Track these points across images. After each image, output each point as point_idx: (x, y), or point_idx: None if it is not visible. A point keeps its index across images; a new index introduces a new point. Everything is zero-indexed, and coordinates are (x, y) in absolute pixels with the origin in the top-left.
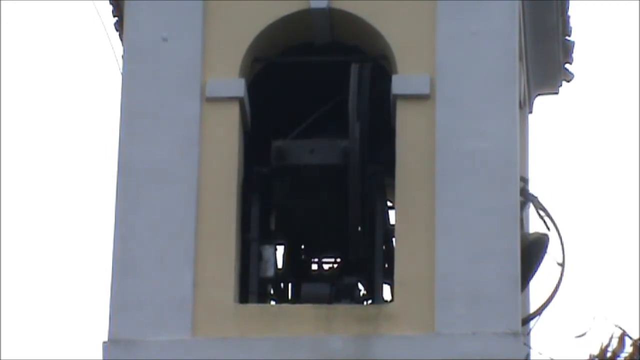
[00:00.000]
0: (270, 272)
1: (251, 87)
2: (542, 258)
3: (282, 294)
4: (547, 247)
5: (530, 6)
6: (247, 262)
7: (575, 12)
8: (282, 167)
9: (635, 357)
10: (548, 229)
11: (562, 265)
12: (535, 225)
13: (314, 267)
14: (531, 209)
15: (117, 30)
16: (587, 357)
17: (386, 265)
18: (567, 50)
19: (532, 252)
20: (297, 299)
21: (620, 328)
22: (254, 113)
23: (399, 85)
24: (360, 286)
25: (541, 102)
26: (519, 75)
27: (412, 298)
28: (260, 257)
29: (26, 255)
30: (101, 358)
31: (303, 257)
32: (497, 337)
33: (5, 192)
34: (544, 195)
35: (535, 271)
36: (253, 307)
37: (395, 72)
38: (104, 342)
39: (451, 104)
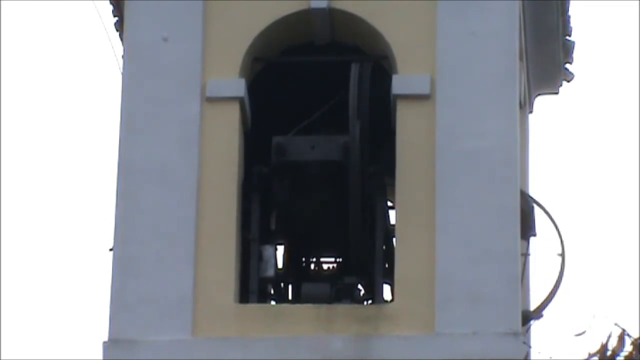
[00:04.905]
0: (270, 272)
1: (251, 87)
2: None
3: (282, 294)
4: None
5: (530, 6)
6: (247, 262)
7: (575, 12)
8: (282, 164)
9: (634, 356)
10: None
11: (562, 262)
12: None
13: (313, 267)
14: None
15: (117, 30)
16: (586, 356)
17: (386, 265)
18: (567, 50)
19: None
20: (297, 299)
21: (620, 327)
22: (254, 113)
23: (399, 85)
24: (360, 286)
25: (541, 102)
26: (519, 75)
27: (412, 298)
28: (260, 257)
29: (26, 255)
30: (101, 358)
31: (303, 257)
32: (497, 337)
33: (5, 192)
34: (544, 195)
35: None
36: (253, 307)
37: (395, 72)
38: (104, 342)
39: (451, 104)
